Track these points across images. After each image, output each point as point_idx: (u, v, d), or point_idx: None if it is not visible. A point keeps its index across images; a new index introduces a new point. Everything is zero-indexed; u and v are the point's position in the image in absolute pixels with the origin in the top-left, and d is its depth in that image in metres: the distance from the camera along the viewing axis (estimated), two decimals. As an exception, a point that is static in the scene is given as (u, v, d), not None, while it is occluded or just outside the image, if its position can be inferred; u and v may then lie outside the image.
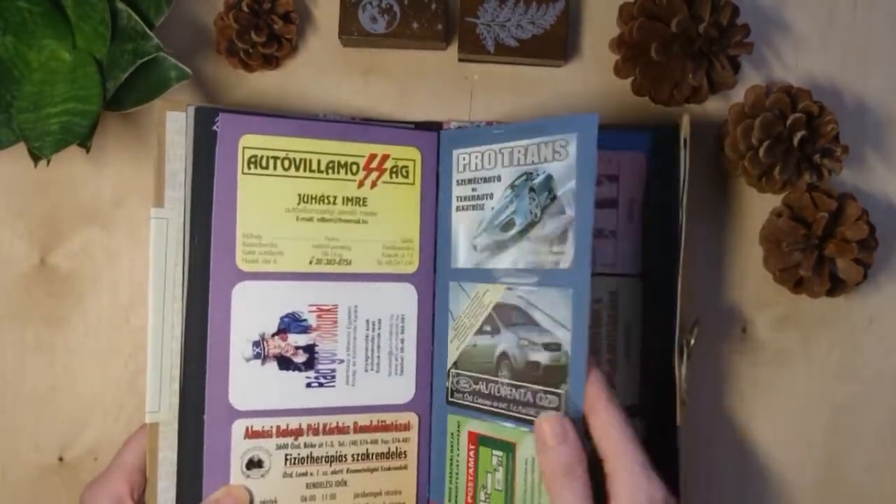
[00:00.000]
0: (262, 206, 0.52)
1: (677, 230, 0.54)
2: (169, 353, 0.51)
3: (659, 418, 0.54)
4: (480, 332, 0.53)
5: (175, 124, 0.51)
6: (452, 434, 0.54)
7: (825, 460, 0.60)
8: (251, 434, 0.52)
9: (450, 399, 0.54)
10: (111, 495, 0.50)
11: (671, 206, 0.55)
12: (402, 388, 0.55)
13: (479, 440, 0.52)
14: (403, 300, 0.55)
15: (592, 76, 0.60)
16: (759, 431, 0.60)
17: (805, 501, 0.60)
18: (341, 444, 0.54)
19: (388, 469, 0.55)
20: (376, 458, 0.54)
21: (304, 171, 0.53)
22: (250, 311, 0.52)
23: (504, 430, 0.51)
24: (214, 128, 0.51)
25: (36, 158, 0.50)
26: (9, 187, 0.58)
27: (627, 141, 0.56)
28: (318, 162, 0.53)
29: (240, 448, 0.51)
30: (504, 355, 0.51)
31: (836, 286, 0.56)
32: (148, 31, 0.50)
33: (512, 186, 0.51)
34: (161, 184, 0.51)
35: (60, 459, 0.58)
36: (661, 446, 0.51)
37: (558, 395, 0.48)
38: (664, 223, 0.55)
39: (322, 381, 0.53)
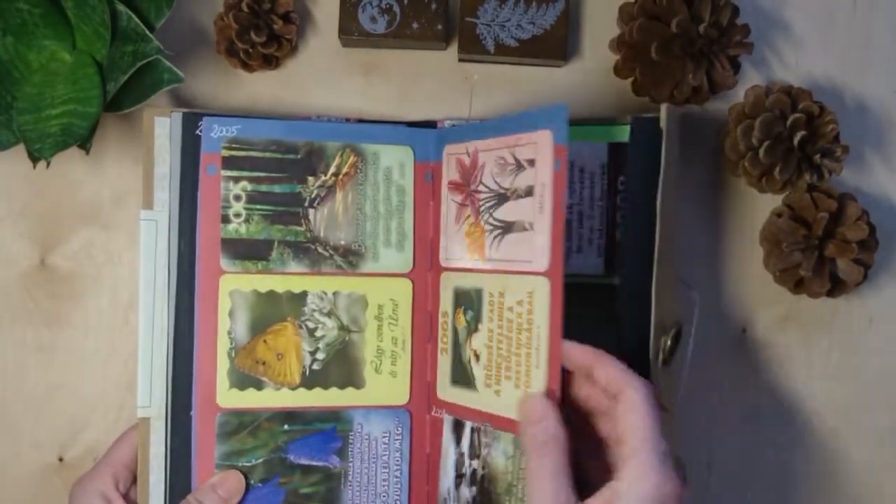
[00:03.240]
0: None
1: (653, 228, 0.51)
2: (159, 350, 0.52)
3: None
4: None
5: (163, 129, 0.53)
6: None
7: (825, 460, 0.60)
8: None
9: None
10: (97, 491, 0.51)
11: (650, 202, 0.51)
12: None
13: None
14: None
15: (592, 76, 0.60)
16: (758, 432, 0.60)
17: (805, 501, 0.60)
18: None
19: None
20: None
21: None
22: None
23: None
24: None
25: (35, 160, 0.51)
26: (9, 187, 0.58)
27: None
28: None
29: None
30: None
31: (836, 286, 0.56)
32: (148, 33, 0.50)
33: None
34: (150, 187, 0.53)
35: (60, 459, 0.58)
36: None
37: None
38: (642, 221, 0.51)
39: None
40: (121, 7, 0.51)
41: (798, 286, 0.57)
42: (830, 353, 0.61)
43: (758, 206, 0.60)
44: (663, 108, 0.52)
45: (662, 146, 0.51)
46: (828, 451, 0.60)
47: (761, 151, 0.55)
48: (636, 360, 0.50)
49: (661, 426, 0.43)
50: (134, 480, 0.52)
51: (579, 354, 0.47)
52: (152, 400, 0.52)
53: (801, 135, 0.55)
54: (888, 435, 0.61)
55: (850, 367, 0.61)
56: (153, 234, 0.52)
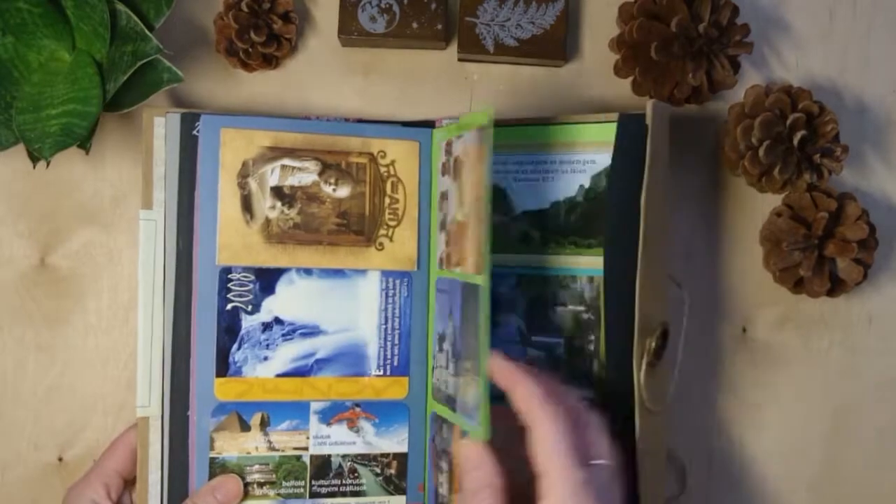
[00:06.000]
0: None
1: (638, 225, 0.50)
2: (158, 349, 0.52)
3: (624, 429, 0.49)
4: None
5: (162, 129, 0.53)
6: None
7: (825, 460, 0.60)
8: None
9: None
10: (89, 499, 0.52)
11: (635, 199, 0.50)
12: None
13: None
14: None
15: (592, 76, 0.60)
16: (759, 432, 0.60)
17: (805, 502, 0.60)
18: None
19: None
20: None
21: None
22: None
23: None
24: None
25: (35, 160, 0.51)
26: (9, 187, 0.58)
27: None
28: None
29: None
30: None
31: (836, 286, 0.56)
32: (147, 32, 0.50)
33: None
34: (149, 187, 0.53)
35: (60, 459, 0.58)
36: (628, 456, 0.48)
37: None
38: (628, 219, 0.50)
39: None
40: (120, 7, 0.51)
41: (798, 286, 0.57)
42: (830, 353, 0.61)
43: (758, 206, 0.60)
44: (649, 103, 0.51)
45: (647, 142, 0.50)
46: (828, 451, 0.60)
47: (761, 151, 0.55)
48: (621, 361, 0.50)
49: (577, 453, 0.43)
50: (125, 486, 0.53)
51: (498, 375, 0.46)
52: (151, 399, 0.52)
53: (801, 134, 0.55)
54: (888, 435, 0.61)
55: (850, 367, 0.61)
56: (152, 233, 0.52)
